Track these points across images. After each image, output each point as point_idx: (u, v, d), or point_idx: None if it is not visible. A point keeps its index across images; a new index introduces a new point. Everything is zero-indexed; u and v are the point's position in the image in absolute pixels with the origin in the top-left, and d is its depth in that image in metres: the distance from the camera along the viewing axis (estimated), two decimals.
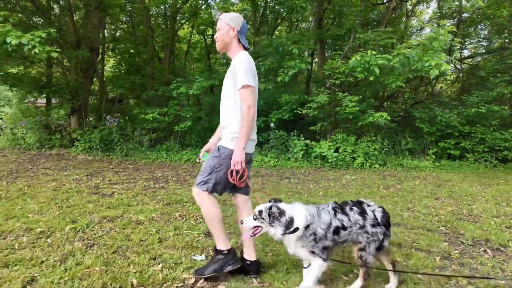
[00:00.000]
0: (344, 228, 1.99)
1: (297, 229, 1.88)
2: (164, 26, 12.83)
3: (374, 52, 6.47)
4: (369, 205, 2.12)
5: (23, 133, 10.01)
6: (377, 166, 7.94)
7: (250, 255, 2.31)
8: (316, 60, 12.16)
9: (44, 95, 10.14)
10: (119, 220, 3.45)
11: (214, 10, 13.04)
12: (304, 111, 7.90)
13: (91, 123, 9.12)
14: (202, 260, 2.55)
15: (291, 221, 1.89)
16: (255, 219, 1.96)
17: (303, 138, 8.11)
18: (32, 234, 2.96)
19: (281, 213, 1.90)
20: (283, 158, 8.14)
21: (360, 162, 7.84)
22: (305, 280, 2.03)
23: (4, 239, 2.84)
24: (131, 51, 11.84)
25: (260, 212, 1.95)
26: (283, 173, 6.90)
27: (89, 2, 8.87)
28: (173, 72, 11.04)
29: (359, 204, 2.12)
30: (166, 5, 11.81)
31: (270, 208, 1.93)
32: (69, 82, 8.78)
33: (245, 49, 2.29)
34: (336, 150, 7.93)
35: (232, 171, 2.08)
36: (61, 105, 9.17)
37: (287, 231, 1.88)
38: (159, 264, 2.46)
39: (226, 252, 2.21)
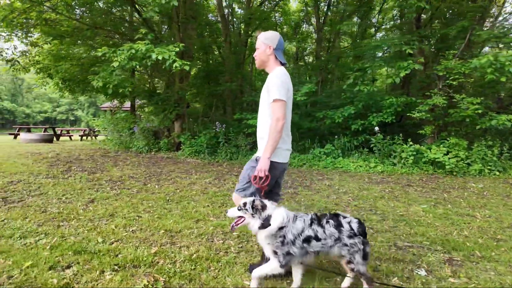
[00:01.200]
0: (317, 239, 2.07)
1: (269, 225, 2.03)
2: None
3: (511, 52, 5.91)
4: (345, 217, 2.17)
5: (133, 137, 11.06)
6: (497, 173, 7.26)
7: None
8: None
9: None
10: None
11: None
12: (417, 114, 7.51)
13: (193, 129, 9.74)
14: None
15: (268, 218, 2.06)
16: (239, 210, 2.11)
17: (411, 143, 7.73)
18: (233, 238, 3.19)
19: (263, 207, 2.07)
20: (387, 163, 7.85)
21: (478, 168, 7.23)
22: (255, 271, 2.12)
23: (212, 241, 3.10)
24: (218, 59, 12.46)
25: (245, 203, 2.11)
26: (398, 180, 6.65)
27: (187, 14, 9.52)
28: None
29: (336, 216, 2.17)
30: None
31: (254, 201, 2.09)
32: (177, 91, 9.45)
33: (282, 64, 2.41)
34: (446, 155, 7.44)
35: (256, 177, 2.20)
36: (163, 111, 9.95)
37: (262, 227, 2.04)
38: None
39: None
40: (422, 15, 9.60)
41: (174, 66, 6.06)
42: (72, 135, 18.43)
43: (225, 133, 8.80)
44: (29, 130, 17.10)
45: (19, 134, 15.65)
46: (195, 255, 2.76)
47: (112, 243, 2.93)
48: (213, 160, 8.44)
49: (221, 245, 3.02)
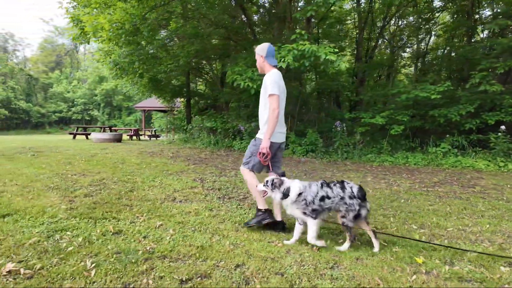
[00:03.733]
0: (328, 197, 2.72)
1: (287, 195, 2.73)
2: None
3: None
4: (348, 183, 2.79)
5: (217, 137, 11.03)
6: None
7: (277, 216, 3.24)
8: None
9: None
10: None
11: None
12: None
13: (297, 128, 9.71)
14: None
15: (288, 190, 2.75)
16: (264, 186, 2.86)
17: None
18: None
19: (281, 183, 2.79)
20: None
21: None
22: (295, 235, 2.93)
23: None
24: None
25: (267, 181, 2.85)
26: None
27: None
28: None
29: (341, 182, 2.82)
30: None
31: (273, 179, 2.82)
32: (291, 91, 9.39)
33: (274, 66, 3.15)
34: None
35: (260, 153, 2.98)
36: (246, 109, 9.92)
37: (283, 197, 2.75)
38: None
39: (263, 210, 3.15)
40: None
41: (336, 66, 6.04)
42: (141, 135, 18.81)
43: (340, 132, 8.78)
44: (85, 129, 16.98)
45: (78, 134, 15.60)
46: None
47: None
48: (331, 159, 8.43)
49: None
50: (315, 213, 2.73)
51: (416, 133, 9.67)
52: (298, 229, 2.92)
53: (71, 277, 2.20)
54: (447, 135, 8.82)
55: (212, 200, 4.39)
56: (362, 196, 2.72)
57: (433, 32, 14.66)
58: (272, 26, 9.93)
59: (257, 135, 3.19)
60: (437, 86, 8.24)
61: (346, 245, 2.80)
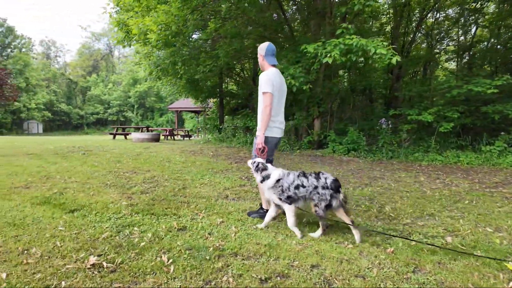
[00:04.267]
0: (303, 186, 2.87)
1: (268, 177, 2.98)
2: None
3: None
4: (323, 174, 2.91)
5: (252, 135, 11.01)
6: None
7: (265, 205, 3.44)
8: None
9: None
10: None
11: None
12: None
13: (336, 126, 9.47)
14: None
15: (268, 176, 2.98)
16: (251, 164, 3.14)
17: None
18: None
19: (264, 168, 3.02)
20: None
21: None
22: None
23: None
24: None
25: (254, 162, 3.11)
26: None
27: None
28: None
29: (317, 173, 2.94)
30: None
31: (258, 163, 3.05)
32: (331, 86, 9.12)
33: (274, 65, 3.28)
34: None
35: (258, 149, 3.15)
36: (306, 109, 9.75)
37: (262, 181, 3.01)
38: None
39: (265, 210, 3.40)
40: None
41: (385, 60, 5.78)
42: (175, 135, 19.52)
43: (386, 129, 8.42)
44: (123, 130, 17.73)
45: (117, 134, 16.31)
46: None
47: None
48: (375, 159, 8.11)
49: None
50: (290, 200, 2.93)
51: (464, 130, 9.07)
52: (271, 213, 3.15)
53: (152, 272, 2.23)
54: (502, 133, 8.18)
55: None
56: (335, 187, 2.84)
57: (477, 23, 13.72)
58: (308, 22, 9.73)
59: (257, 133, 3.31)
60: (493, 79, 7.64)
61: (318, 232, 2.95)
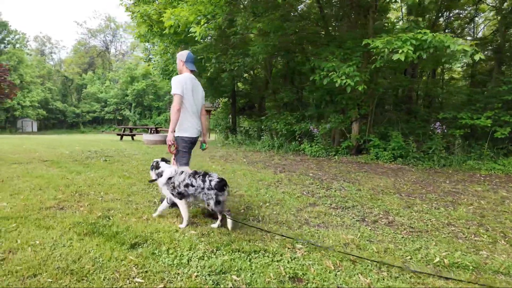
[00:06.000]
0: (192, 185, 3.19)
1: (160, 176, 3.36)
2: None
3: None
4: (210, 176, 3.20)
5: (279, 138, 10.25)
6: None
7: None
8: None
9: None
10: None
11: None
12: None
13: (376, 130, 8.76)
14: None
15: (160, 173, 3.36)
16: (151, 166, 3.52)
17: None
18: None
19: (157, 167, 3.42)
20: None
21: None
22: (159, 209, 3.56)
23: None
24: None
25: (152, 163, 3.52)
26: None
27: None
28: None
29: (204, 174, 3.22)
30: None
31: (153, 162, 3.48)
32: (378, 88, 8.37)
33: (192, 71, 3.64)
34: None
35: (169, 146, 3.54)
36: (342, 111, 9.04)
37: (155, 177, 3.43)
38: None
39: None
40: None
41: (467, 57, 5.09)
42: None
43: (439, 135, 7.69)
44: (130, 130, 16.80)
45: (124, 135, 15.41)
46: None
47: None
48: (426, 167, 7.41)
49: None
50: (180, 196, 3.24)
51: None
52: (163, 205, 3.50)
53: None
54: None
55: (354, 225, 3.58)
56: (219, 187, 3.09)
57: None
58: (349, 17, 8.96)
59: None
60: None
61: (216, 224, 3.28)
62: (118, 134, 15.83)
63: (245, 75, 16.40)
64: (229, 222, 3.18)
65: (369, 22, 7.72)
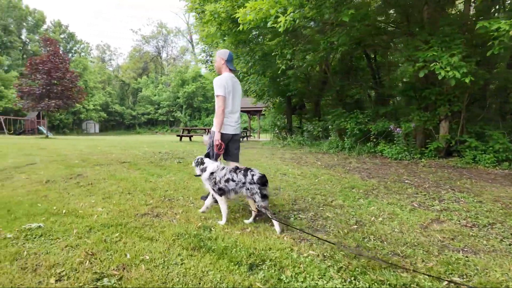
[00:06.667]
0: (233, 180, 3.20)
1: (204, 171, 3.40)
2: None
3: None
4: (252, 171, 3.16)
5: (349, 139, 9.42)
6: None
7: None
8: None
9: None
10: None
11: None
12: None
13: (470, 129, 7.57)
14: None
15: (204, 168, 3.41)
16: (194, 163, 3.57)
17: None
18: None
19: (202, 163, 3.46)
20: None
21: None
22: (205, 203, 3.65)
23: None
24: None
25: (196, 159, 3.55)
26: None
27: None
28: None
29: (246, 170, 3.20)
30: None
31: (198, 159, 3.53)
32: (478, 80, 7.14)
33: (231, 70, 3.72)
34: None
35: (216, 145, 3.50)
36: (426, 108, 8.01)
37: (199, 173, 3.45)
38: None
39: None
40: None
41: None
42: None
43: None
44: (188, 131, 17.17)
45: (184, 136, 15.69)
46: None
47: None
48: None
49: None
50: (221, 192, 3.28)
51: None
52: (209, 199, 3.55)
53: None
54: None
55: (509, 250, 2.81)
56: (261, 182, 3.05)
57: None
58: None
59: (211, 129, 3.65)
60: None
61: (250, 219, 3.35)
62: (177, 135, 16.20)
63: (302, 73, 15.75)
64: (276, 224, 3.10)
65: (466, 5, 6.62)
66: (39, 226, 3.07)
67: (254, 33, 9.58)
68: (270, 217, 3.11)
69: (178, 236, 2.96)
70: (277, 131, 15.62)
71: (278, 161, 7.28)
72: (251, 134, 25.40)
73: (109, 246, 2.73)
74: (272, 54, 7.83)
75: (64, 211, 3.53)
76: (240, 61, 9.82)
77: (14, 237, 2.82)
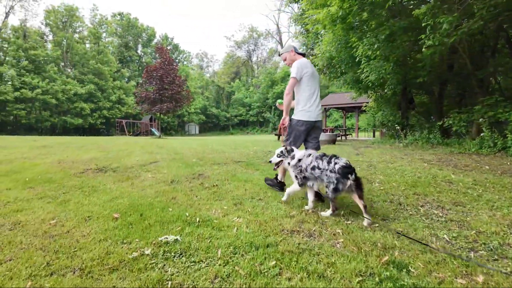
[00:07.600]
0: (318, 168, 3.03)
1: (293, 158, 3.29)
2: None
3: None
4: (336, 158, 2.96)
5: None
6: None
7: (280, 177, 3.87)
8: None
9: None
10: None
11: None
12: None
13: None
14: None
15: (293, 156, 3.29)
16: (278, 157, 3.42)
17: None
18: None
19: (292, 151, 3.35)
20: None
21: None
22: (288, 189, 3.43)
23: None
24: None
25: (282, 151, 3.41)
26: None
27: None
28: None
29: (331, 157, 3.02)
30: None
31: (286, 148, 3.39)
32: None
33: (302, 55, 3.72)
34: None
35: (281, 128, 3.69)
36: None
37: (291, 162, 3.29)
38: None
39: (280, 181, 3.89)
40: None
41: None
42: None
43: None
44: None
45: (280, 135, 15.12)
46: None
47: None
48: None
49: None
50: (304, 181, 3.18)
51: None
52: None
53: None
54: None
55: None
56: (343, 173, 2.81)
57: None
58: None
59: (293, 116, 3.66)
60: None
61: (328, 212, 3.00)
62: (275, 134, 15.82)
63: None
64: (365, 220, 2.76)
65: None
66: (176, 240, 2.47)
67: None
68: (331, 206, 2.98)
69: (359, 275, 1.95)
70: (390, 128, 13.48)
71: (424, 164, 5.69)
72: (350, 133, 23.35)
73: (269, 282, 1.90)
74: (423, 24, 6.13)
75: (197, 219, 2.93)
76: (363, 43, 8.41)
77: (152, 254, 2.25)
